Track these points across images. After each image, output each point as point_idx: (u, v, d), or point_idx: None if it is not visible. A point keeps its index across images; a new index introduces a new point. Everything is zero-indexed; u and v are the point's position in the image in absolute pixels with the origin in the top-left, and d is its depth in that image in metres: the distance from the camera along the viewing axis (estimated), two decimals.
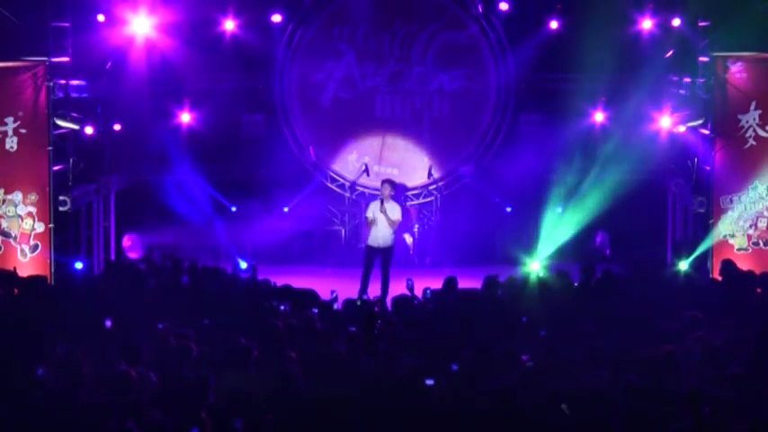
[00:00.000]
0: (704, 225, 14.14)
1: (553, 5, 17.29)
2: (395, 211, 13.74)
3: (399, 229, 14.34)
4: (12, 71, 13.50)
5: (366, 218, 13.95)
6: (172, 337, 8.16)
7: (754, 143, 13.81)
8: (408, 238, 17.36)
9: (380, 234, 13.68)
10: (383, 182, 14.12)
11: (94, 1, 15.14)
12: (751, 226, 13.81)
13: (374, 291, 13.48)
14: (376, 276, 13.70)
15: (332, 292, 11.63)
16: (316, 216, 17.72)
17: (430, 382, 7.20)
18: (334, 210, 17.98)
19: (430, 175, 17.80)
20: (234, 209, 17.40)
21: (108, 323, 8.65)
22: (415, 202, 18.01)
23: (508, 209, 17.42)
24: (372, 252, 13.71)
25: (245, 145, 17.66)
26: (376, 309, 10.73)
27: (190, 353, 7.79)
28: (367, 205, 14.38)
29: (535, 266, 14.02)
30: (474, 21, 17.74)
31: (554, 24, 17.18)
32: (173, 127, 17.34)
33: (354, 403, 6.71)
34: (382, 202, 13.71)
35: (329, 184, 18.04)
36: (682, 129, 15.47)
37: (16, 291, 11.32)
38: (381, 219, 13.62)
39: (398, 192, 15.57)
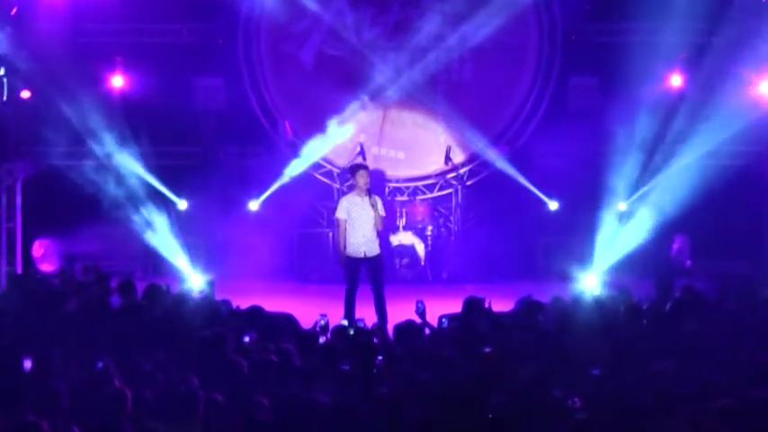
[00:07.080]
0: None
1: None
2: (379, 206, 13.56)
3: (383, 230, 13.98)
4: None
5: (338, 220, 13.63)
6: (115, 380, 8.19)
7: None
8: (419, 246, 17.39)
9: (363, 239, 13.49)
10: (358, 167, 13.83)
11: None
12: None
13: (371, 317, 13.46)
14: (364, 296, 13.62)
15: (322, 316, 11.61)
16: (294, 214, 17.78)
17: None
18: (319, 206, 18.02)
19: (448, 159, 17.83)
20: (183, 205, 17.45)
21: (27, 364, 8.66)
22: (428, 195, 18.04)
23: (553, 205, 17.46)
24: (356, 265, 13.55)
25: (199, 118, 17.75)
26: (375, 340, 10.75)
27: (125, 399, 7.81)
28: (338, 203, 14.02)
29: (590, 283, 14.06)
30: None
31: None
32: (101, 94, 17.39)
33: None
34: (370, 194, 13.50)
35: (312, 172, 18.08)
36: None
37: None
38: (365, 218, 13.46)
39: (376, 181, 15.45)
